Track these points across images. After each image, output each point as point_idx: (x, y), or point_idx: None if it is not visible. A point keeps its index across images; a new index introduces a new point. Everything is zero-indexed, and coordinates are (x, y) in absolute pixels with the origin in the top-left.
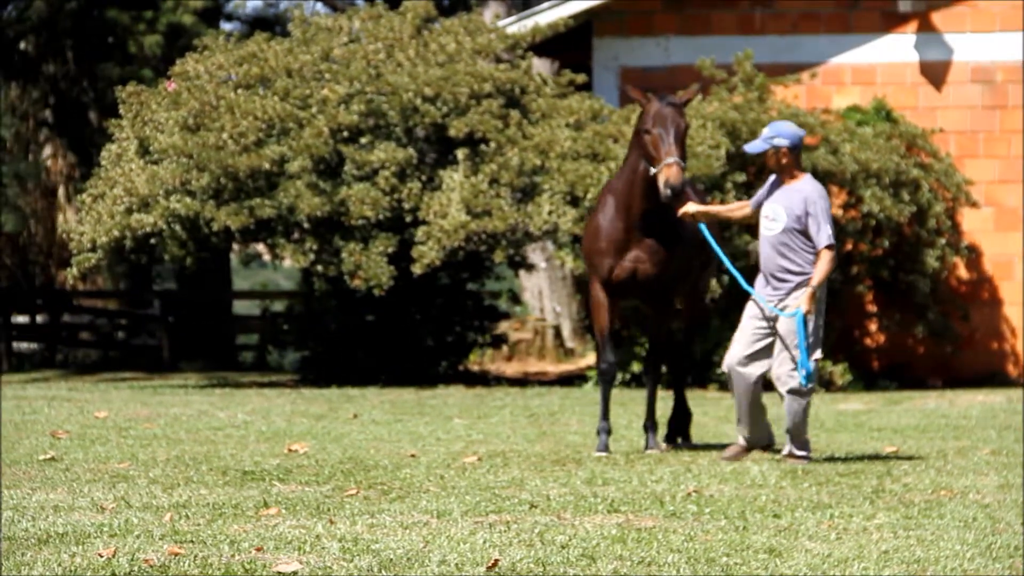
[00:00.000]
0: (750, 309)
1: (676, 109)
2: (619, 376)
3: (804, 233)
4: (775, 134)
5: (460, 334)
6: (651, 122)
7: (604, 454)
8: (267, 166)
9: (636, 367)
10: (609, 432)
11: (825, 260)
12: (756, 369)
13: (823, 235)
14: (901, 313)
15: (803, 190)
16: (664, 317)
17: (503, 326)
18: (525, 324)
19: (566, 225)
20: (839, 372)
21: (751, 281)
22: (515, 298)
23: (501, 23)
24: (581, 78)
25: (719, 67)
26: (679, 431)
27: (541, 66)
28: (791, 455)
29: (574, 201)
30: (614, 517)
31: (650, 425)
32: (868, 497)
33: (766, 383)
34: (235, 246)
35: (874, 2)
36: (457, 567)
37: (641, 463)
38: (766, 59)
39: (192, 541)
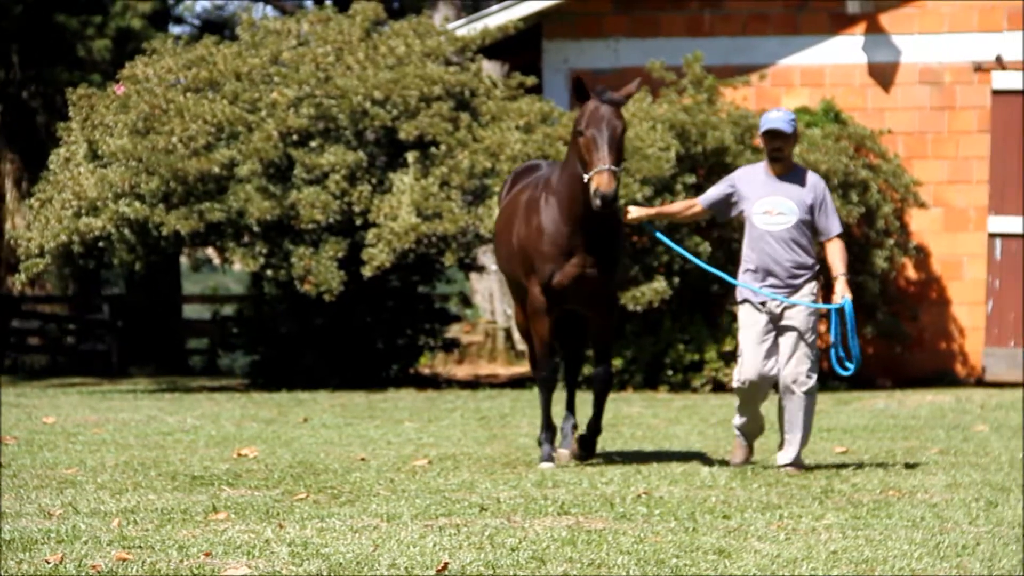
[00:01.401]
0: (749, 313)
1: (614, 109)
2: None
3: (811, 225)
4: (791, 117)
5: (411, 337)
6: (585, 123)
7: (549, 465)
8: (216, 170)
9: (587, 370)
10: (553, 441)
11: (842, 247)
12: (772, 371)
13: (836, 223)
14: None
15: (809, 180)
16: (608, 320)
17: (454, 329)
18: (476, 327)
19: None
20: None
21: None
22: (466, 301)
23: (451, 26)
24: (531, 80)
25: (669, 69)
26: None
27: (491, 69)
28: (797, 464)
29: None
30: (564, 519)
31: (573, 426)
32: (817, 497)
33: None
34: (185, 250)
35: (823, 4)
36: (407, 570)
37: (591, 465)
38: (715, 61)
39: (140, 547)
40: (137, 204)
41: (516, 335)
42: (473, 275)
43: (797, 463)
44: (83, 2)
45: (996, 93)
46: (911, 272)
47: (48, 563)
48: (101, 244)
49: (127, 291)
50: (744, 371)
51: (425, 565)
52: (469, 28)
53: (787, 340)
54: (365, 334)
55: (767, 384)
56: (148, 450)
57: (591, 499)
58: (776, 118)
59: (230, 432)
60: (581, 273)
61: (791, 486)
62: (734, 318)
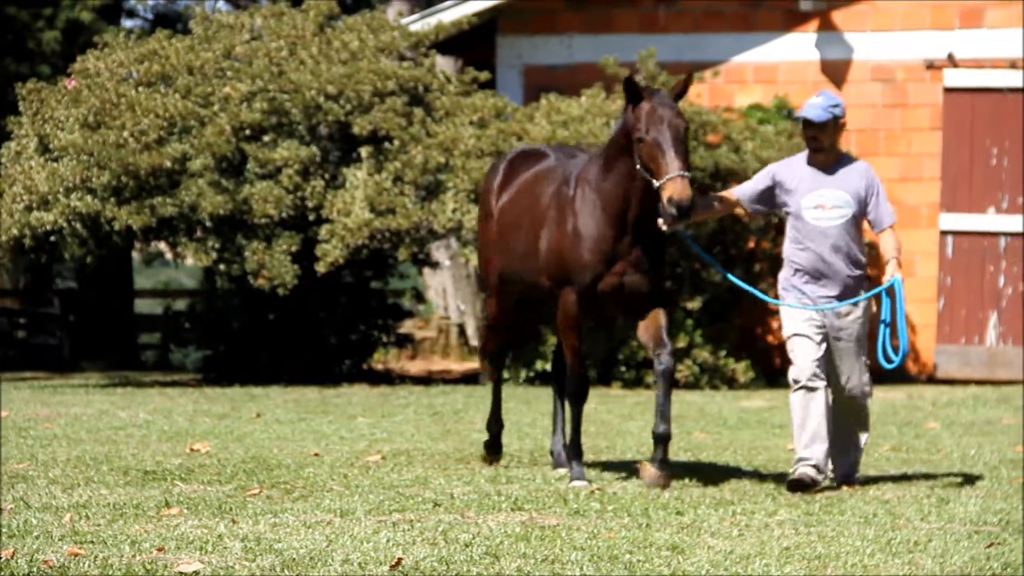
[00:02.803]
0: (796, 311)
1: (673, 109)
2: (523, 373)
3: (864, 217)
4: (833, 102)
5: (364, 333)
6: (645, 127)
7: (584, 483)
8: (168, 164)
9: (540, 365)
10: (581, 456)
11: (896, 236)
12: (824, 377)
13: (889, 212)
14: None
15: (860, 169)
16: (662, 313)
17: (407, 324)
18: (429, 322)
19: (470, 223)
20: (741, 370)
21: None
22: (419, 296)
23: (404, 21)
24: (485, 76)
25: (622, 65)
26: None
27: (445, 64)
28: (851, 479)
29: (478, 199)
30: (518, 515)
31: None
32: (770, 494)
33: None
34: (136, 244)
35: (776, 1)
36: (360, 566)
37: (544, 461)
38: (669, 57)
39: (92, 542)
40: (88, 198)
41: (470, 330)
42: (426, 271)
43: (847, 479)
44: None
45: (948, 91)
46: None
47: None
48: (52, 238)
49: (79, 285)
50: (797, 369)
51: (378, 560)
52: (423, 23)
53: (845, 348)
54: (318, 329)
55: (817, 393)
56: (100, 445)
57: (545, 495)
58: (811, 104)
59: (183, 427)
60: (622, 282)
61: (744, 482)
62: (687, 313)
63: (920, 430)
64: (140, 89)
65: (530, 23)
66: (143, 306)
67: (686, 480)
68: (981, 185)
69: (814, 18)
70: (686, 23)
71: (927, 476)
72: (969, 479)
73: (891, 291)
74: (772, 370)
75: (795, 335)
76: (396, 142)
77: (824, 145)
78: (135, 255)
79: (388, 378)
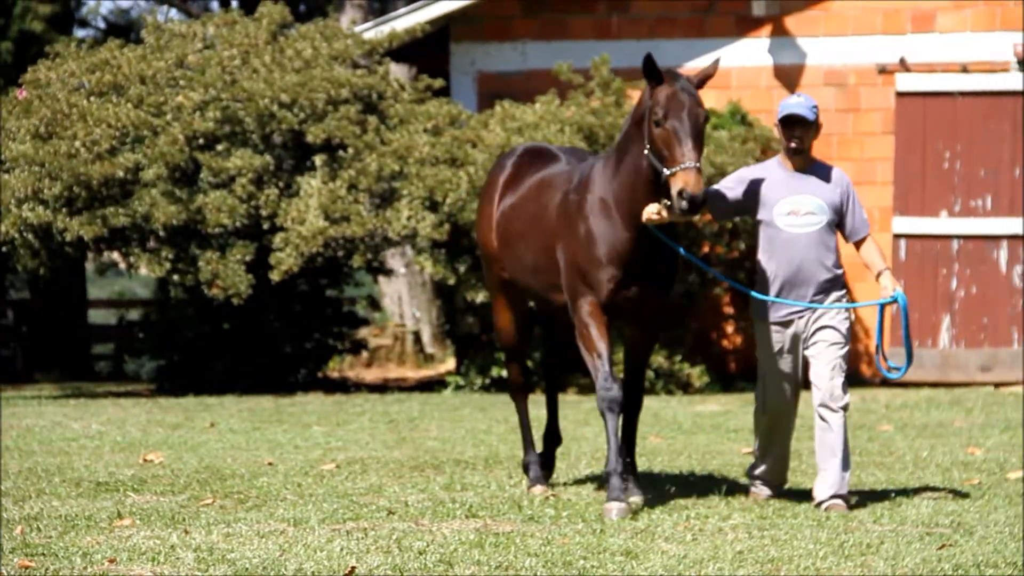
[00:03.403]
0: (770, 333)
1: (693, 97)
2: (478, 380)
3: (839, 226)
4: (813, 103)
5: (319, 341)
6: (663, 111)
7: (623, 506)
8: (121, 174)
9: (496, 372)
10: (622, 474)
11: (877, 243)
12: (795, 396)
13: (866, 221)
14: None
15: (834, 175)
16: (652, 341)
17: (363, 332)
18: (385, 330)
19: (425, 230)
20: (696, 374)
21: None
22: (374, 304)
23: (358, 28)
24: (439, 83)
25: (576, 71)
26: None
27: (399, 71)
28: (843, 498)
29: (433, 206)
30: (472, 522)
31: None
32: (723, 498)
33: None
34: (89, 255)
35: (729, 7)
36: (314, 575)
37: (499, 468)
38: (623, 63)
39: (44, 554)
40: (40, 209)
41: (425, 337)
42: (381, 278)
43: (843, 496)
44: None
45: (900, 95)
46: None
47: None
48: (4, 249)
49: (31, 296)
50: (768, 395)
51: (332, 569)
52: (376, 31)
53: (820, 353)
54: (273, 338)
55: (793, 410)
56: (52, 456)
57: (499, 502)
58: (796, 103)
59: (136, 437)
60: (638, 288)
61: (698, 487)
62: None
63: (873, 432)
64: (92, 99)
65: (483, 30)
66: (97, 316)
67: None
68: (934, 189)
69: (767, 24)
70: (640, 30)
71: (880, 479)
72: (921, 481)
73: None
74: (727, 375)
75: (767, 362)
76: (350, 150)
77: (805, 146)
78: (88, 265)
79: (343, 386)
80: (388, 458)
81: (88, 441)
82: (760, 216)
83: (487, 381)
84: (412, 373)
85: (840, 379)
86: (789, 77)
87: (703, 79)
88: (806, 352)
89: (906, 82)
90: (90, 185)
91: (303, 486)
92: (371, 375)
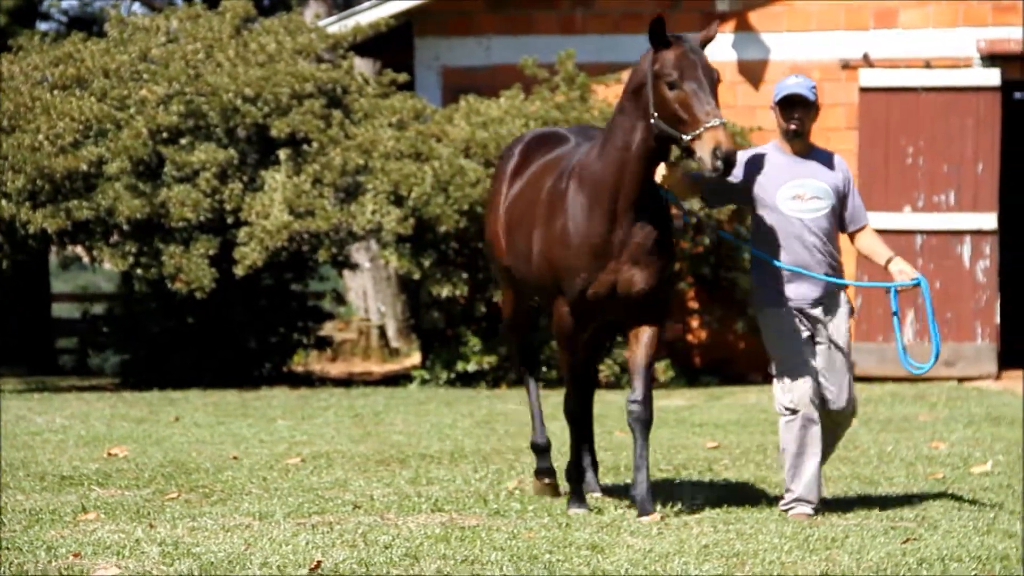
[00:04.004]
0: (785, 320)
1: (704, 56)
2: (444, 375)
3: (840, 213)
4: (812, 83)
5: (284, 335)
6: (678, 73)
7: (583, 510)
8: (84, 168)
9: (461, 366)
10: (582, 482)
11: (876, 233)
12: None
13: (864, 210)
14: (722, 310)
15: (836, 161)
16: (656, 334)
17: (328, 327)
18: (350, 324)
19: (390, 224)
20: (662, 369)
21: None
22: (339, 298)
23: (322, 23)
24: (403, 78)
25: (541, 66)
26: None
27: (363, 66)
28: (813, 513)
29: (398, 200)
30: (438, 516)
31: (592, 463)
32: (689, 492)
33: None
34: (53, 248)
35: (693, 2)
36: (279, 569)
37: (464, 462)
38: (588, 58)
39: (8, 548)
40: (3, 202)
41: (390, 332)
42: (347, 272)
43: (810, 500)
44: None
45: (863, 90)
46: None
47: None
48: None
49: None
50: (797, 393)
51: (298, 563)
52: (340, 25)
53: (833, 354)
54: (238, 332)
55: (814, 420)
56: (16, 450)
57: (465, 496)
58: (795, 83)
59: (100, 432)
60: (618, 281)
61: (663, 481)
62: None
63: None
64: (55, 92)
65: (448, 24)
66: (60, 310)
67: (605, 481)
68: (897, 184)
69: (731, 19)
70: (605, 25)
71: (844, 473)
72: (886, 476)
73: (905, 290)
74: (692, 369)
75: (785, 354)
76: (315, 144)
77: (805, 128)
78: (52, 259)
79: (308, 380)
80: (353, 452)
81: (52, 435)
82: (761, 201)
83: (452, 376)
84: (377, 367)
85: (852, 380)
86: (753, 72)
87: (705, 41)
88: (817, 348)
89: (869, 78)
90: (53, 178)
91: (268, 480)
92: (336, 369)
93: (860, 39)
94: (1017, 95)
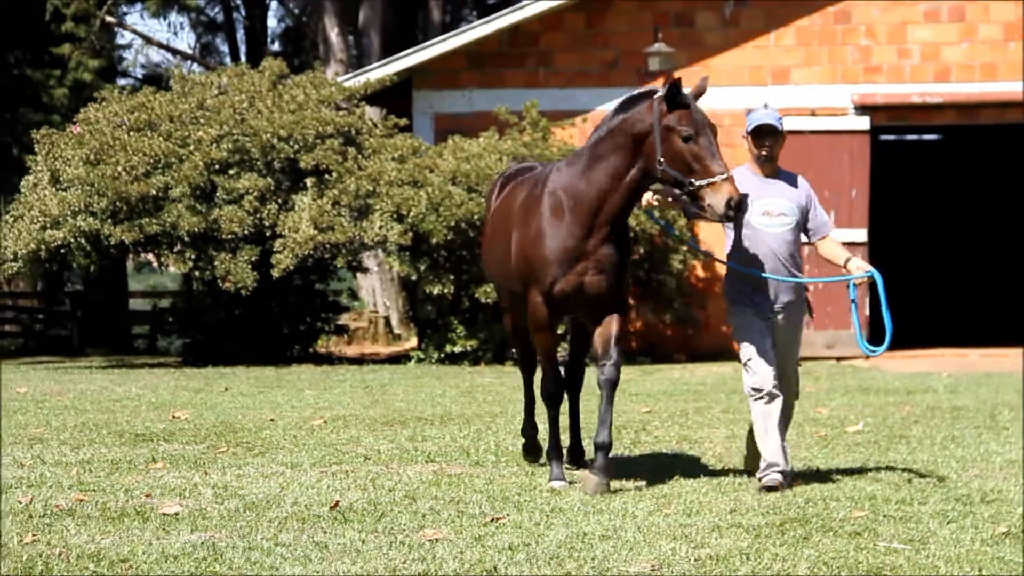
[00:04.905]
0: (748, 317)
1: (703, 113)
2: (435, 355)
3: (804, 227)
4: (779, 115)
5: (310, 324)
6: (693, 130)
7: (562, 483)
8: (154, 192)
9: (449, 348)
10: (561, 459)
11: (837, 242)
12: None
13: (826, 222)
14: (654, 304)
15: (800, 181)
16: (621, 322)
17: (344, 317)
18: (362, 315)
19: (393, 237)
20: None
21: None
22: (354, 295)
23: (340, 79)
24: (403, 122)
25: (511, 113)
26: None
27: (372, 112)
28: (783, 477)
29: (399, 218)
30: (431, 466)
31: (573, 447)
32: (627, 447)
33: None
34: (129, 256)
35: (631, 64)
36: (306, 507)
37: (452, 424)
38: (548, 107)
39: (94, 490)
40: (91, 220)
41: (394, 321)
42: (360, 275)
43: (781, 478)
44: (46, 59)
45: None
46: (700, 272)
47: (21, 503)
48: (63, 251)
49: (84, 288)
50: (761, 375)
51: (321, 503)
52: (354, 81)
53: (788, 347)
54: (274, 322)
55: (777, 397)
56: (100, 413)
57: (452, 450)
58: (765, 115)
59: (166, 399)
60: (582, 281)
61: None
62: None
63: (743, 395)
64: (131, 133)
65: (438, 80)
66: (135, 304)
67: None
68: None
69: (660, 76)
70: (561, 80)
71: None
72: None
73: (863, 282)
74: (630, 351)
75: (750, 344)
76: (334, 174)
77: (774, 154)
78: (129, 264)
79: (329, 359)
80: (364, 416)
81: (128, 402)
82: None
83: (442, 356)
84: (383, 349)
85: (799, 370)
86: None
87: (698, 95)
88: (774, 342)
89: None
90: (129, 201)
91: (298, 437)
92: (351, 351)
93: (761, 93)
94: (883, 137)
